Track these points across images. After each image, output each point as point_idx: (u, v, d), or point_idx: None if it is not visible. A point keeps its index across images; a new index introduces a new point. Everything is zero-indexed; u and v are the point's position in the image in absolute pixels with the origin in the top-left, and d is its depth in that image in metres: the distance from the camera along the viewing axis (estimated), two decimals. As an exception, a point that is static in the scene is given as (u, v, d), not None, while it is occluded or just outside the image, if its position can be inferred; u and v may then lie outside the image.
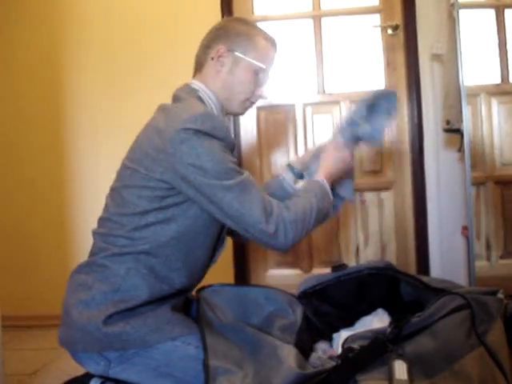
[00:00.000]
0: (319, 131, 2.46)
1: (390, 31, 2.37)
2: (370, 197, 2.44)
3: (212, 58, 1.28)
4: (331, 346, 1.30)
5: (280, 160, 2.48)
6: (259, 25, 2.49)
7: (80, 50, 2.52)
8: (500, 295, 1.18)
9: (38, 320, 2.42)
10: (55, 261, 2.50)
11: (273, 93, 2.49)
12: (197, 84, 1.29)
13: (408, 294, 1.36)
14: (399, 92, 2.39)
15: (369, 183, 2.44)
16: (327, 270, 1.45)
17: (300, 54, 2.48)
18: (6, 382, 1.64)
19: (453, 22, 1.99)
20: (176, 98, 1.28)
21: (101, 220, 1.25)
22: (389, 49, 2.40)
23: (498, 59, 2.32)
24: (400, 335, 1.05)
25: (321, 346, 1.29)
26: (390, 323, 1.08)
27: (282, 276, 2.48)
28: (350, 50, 2.45)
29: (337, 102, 2.44)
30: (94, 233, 1.24)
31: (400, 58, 2.39)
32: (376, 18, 2.42)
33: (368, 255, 2.44)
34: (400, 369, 0.98)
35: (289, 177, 1.48)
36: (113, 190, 1.24)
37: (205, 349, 1.09)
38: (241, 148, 2.47)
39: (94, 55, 2.51)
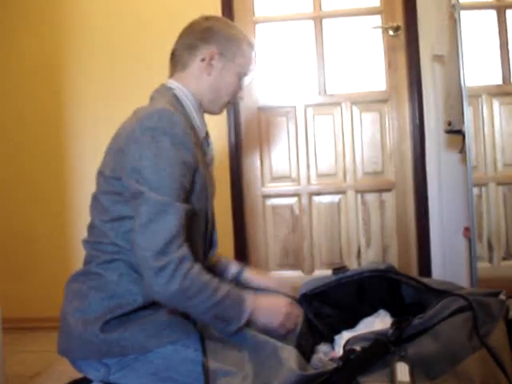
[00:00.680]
0: (320, 132, 2.46)
1: (391, 32, 2.37)
2: (371, 198, 2.44)
3: (202, 60, 1.26)
4: (333, 347, 1.30)
5: (281, 161, 2.48)
6: (260, 26, 2.52)
7: (81, 51, 2.53)
8: (502, 296, 1.18)
9: (39, 322, 2.42)
10: (56, 263, 2.50)
11: (273, 94, 2.50)
12: (173, 83, 1.28)
13: (409, 296, 1.35)
14: (400, 93, 2.39)
15: (370, 184, 2.44)
16: (329, 272, 1.44)
17: (301, 55, 2.48)
18: (7, 384, 1.64)
19: (454, 23, 1.99)
20: (150, 99, 1.27)
21: (88, 228, 1.24)
22: (390, 50, 2.40)
23: (499, 60, 2.32)
24: (402, 337, 1.05)
25: (322, 348, 1.28)
26: (392, 325, 1.07)
27: (284, 277, 2.48)
28: (351, 51, 2.45)
29: (338, 103, 2.44)
30: (84, 242, 1.23)
31: (401, 59, 2.39)
32: (377, 19, 2.42)
33: (370, 256, 2.44)
34: (402, 371, 0.98)
35: (233, 269, 1.44)
36: (93, 196, 1.22)
37: (204, 351, 1.09)
38: (242, 149, 2.47)
39: (95, 56, 2.51)
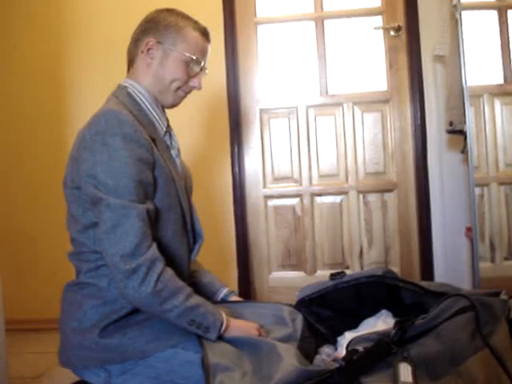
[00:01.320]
0: (322, 133, 2.46)
1: (392, 33, 2.37)
2: (373, 198, 2.44)
3: (142, 52, 1.25)
4: (336, 349, 1.30)
5: (283, 162, 2.49)
6: (262, 27, 2.52)
7: (81, 51, 2.53)
8: (503, 296, 1.17)
9: (42, 323, 2.42)
10: (58, 264, 2.49)
11: (275, 95, 2.50)
12: (127, 81, 1.27)
13: (409, 298, 1.35)
14: (402, 93, 2.39)
15: (372, 184, 2.44)
16: (332, 272, 1.44)
17: (302, 55, 2.48)
18: (11, 385, 1.65)
19: (455, 24, 1.99)
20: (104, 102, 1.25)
21: (70, 241, 1.23)
22: (391, 50, 2.40)
23: (500, 60, 2.32)
24: (404, 337, 1.05)
25: (325, 350, 1.28)
26: (395, 325, 1.07)
27: (286, 278, 2.48)
28: (352, 52, 2.45)
29: (339, 104, 2.44)
30: (68, 255, 1.22)
31: (403, 60, 2.39)
32: (378, 20, 2.42)
33: (372, 257, 2.43)
34: (405, 371, 0.98)
35: (224, 292, 1.42)
36: (66, 209, 1.21)
37: (203, 348, 1.08)
38: (243, 150, 2.48)
39: (96, 56, 2.52)
